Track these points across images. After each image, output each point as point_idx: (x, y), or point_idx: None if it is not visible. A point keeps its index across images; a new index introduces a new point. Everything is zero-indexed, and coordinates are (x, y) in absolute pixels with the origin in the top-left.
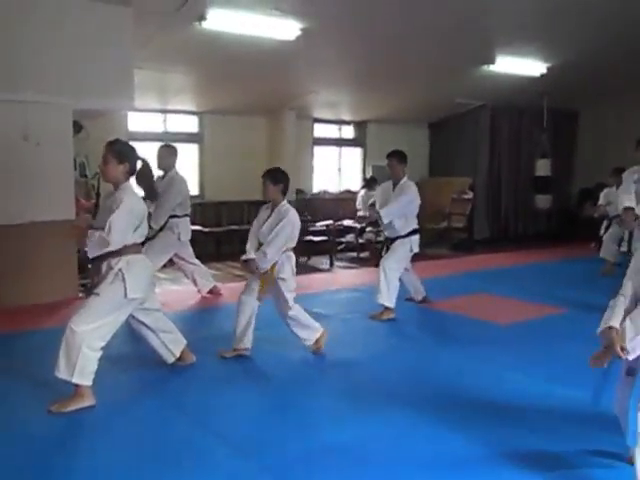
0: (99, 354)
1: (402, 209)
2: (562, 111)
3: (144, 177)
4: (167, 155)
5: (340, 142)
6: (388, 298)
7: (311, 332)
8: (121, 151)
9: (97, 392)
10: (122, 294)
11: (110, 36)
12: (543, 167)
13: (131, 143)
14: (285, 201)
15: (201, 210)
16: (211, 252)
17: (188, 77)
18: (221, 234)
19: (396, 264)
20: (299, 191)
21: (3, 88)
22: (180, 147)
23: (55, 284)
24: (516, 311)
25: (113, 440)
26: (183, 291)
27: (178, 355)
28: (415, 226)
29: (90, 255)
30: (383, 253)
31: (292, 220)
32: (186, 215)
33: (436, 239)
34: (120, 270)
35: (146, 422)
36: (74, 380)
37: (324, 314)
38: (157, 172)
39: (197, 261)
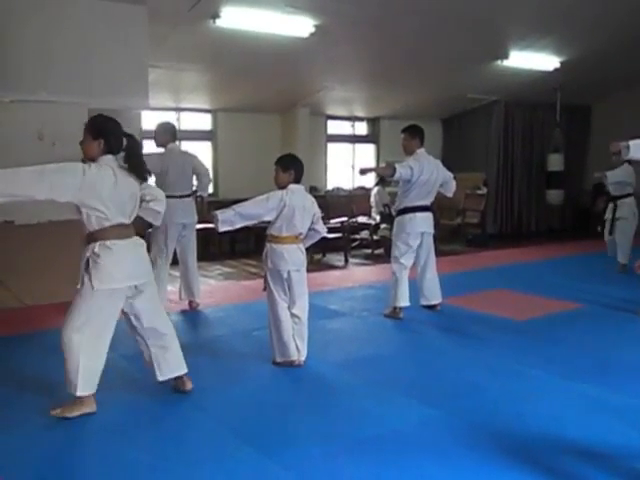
0: (101, 361)
1: (410, 170)
2: (575, 105)
3: (130, 155)
4: (161, 132)
5: (353, 139)
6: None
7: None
8: (95, 126)
9: (115, 390)
10: (89, 286)
11: (124, 35)
12: (556, 162)
13: (144, 141)
14: (295, 186)
15: (216, 208)
16: (226, 250)
17: (202, 75)
18: (236, 232)
19: (396, 252)
20: (313, 188)
21: (17, 88)
22: (194, 145)
23: (73, 283)
24: (533, 307)
25: (131, 440)
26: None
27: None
28: (408, 204)
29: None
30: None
31: (277, 196)
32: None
33: (450, 235)
34: (89, 258)
35: (165, 421)
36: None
37: (340, 311)
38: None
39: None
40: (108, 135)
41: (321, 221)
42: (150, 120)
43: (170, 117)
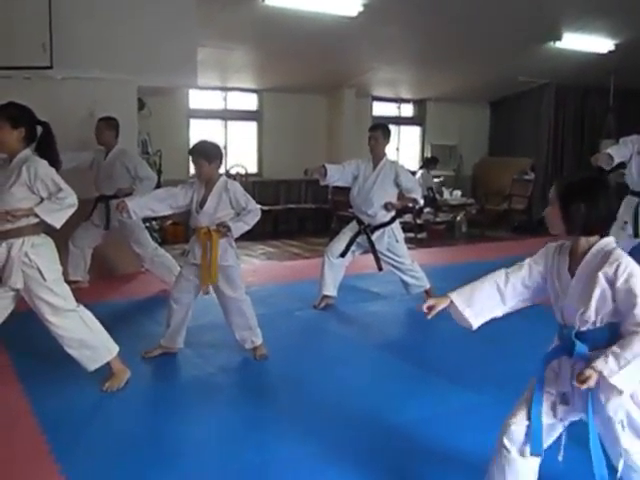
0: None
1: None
2: (630, 90)
3: (47, 143)
4: (106, 129)
5: (399, 120)
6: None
7: (254, 335)
8: (13, 114)
9: (171, 372)
10: None
11: (174, 14)
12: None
13: (191, 120)
14: (224, 176)
15: (260, 188)
16: (269, 230)
17: (249, 55)
18: (279, 212)
19: (405, 254)
20: None
21: (71, 66)
22: (239, 125)
23: (124, 258)
24: None
25: (182, 416)
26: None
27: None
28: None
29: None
30: (359, 239)
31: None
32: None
33: (496, 221)
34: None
35: (212, 400)
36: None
37: (382, 294)
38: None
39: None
40: (27, 123)
41: None
42: (197, 99)
43: (217, 97)
